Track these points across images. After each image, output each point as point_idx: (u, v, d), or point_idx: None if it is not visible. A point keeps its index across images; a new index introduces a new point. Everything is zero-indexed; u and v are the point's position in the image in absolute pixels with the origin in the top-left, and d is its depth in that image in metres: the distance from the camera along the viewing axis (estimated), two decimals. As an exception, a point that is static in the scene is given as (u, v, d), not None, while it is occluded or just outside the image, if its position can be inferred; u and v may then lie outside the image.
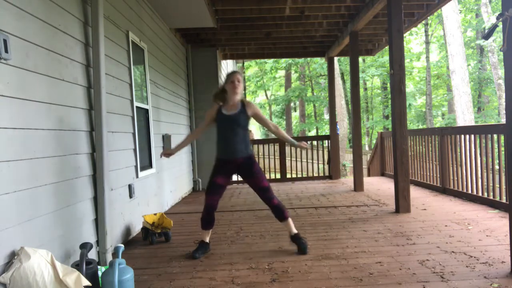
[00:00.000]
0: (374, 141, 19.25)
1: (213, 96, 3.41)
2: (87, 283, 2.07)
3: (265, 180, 3.26)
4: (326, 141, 8.51)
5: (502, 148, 4.08)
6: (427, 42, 19.18)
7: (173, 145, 5.75)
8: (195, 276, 2.76)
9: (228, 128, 3.22)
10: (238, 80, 3.24)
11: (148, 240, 3.69)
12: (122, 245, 2.41)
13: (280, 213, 3.28)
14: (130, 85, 4.06)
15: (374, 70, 18.56)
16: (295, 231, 3.29)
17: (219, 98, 3.35)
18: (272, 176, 8.52)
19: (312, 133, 22.26)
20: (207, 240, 3.33)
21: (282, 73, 23.39)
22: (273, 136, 24.81)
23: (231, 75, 3.27)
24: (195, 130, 3.62)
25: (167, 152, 3.50)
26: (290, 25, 6.56)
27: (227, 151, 3.25)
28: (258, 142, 8.75)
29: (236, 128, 3.20)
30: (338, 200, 5.54)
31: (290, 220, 3.31)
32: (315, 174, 8.52)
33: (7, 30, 2.10)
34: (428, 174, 6.33)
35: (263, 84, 22.65)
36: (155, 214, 3.90)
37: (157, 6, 5.05)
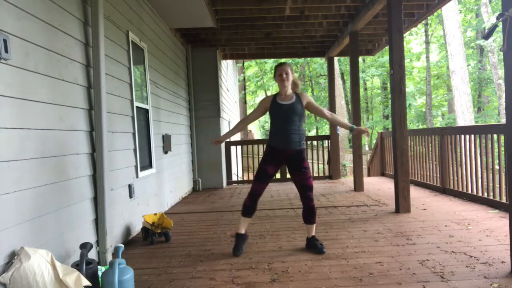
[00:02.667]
0: (374, 141, 19.25)
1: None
2: (87, 283, 2.07)
3: (311, 179, 3.25)
4: (326, 141, 8.51)
5: (502, 148, 4.08)
6: (427, 42, 19.17)
7: (173, 145, 5.76)
8: (195, 276, 2.76)
9: (284, 117, 3.20)
10: (286, 73, 3.22)
11: (148, 240, 3.69)
12: (122, 245, 2.41)
13: (311, 216, 3.29)
14: (130, 85, 4.06)
15: (374, 70, 18.56)
16: (313, 233, 3.33)
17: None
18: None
19: (312, 133, 22.26)
20: (244, 231, 3.31)
21: (282, 73, 23.30)
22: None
23: (277, 68, 3.26)
24: (246, 119, 3.48)
25: (218, 140, 3.45)
26: (290, 25, 6.56)
27: (281, 140, 3.22)
28: (258, 142, 8.75)
29: (293, 116, 3.19)
30: (338, 200, 5.54)
31: (314, 225, 3.34)
32: (315, 174, 8.52)
33: (7, 30, 2.10)
34: (428, 174, 6.33)
35: (263, 84, 22.63)
36: (155, 214, 3.90)
37: (157, 6, 5.05)
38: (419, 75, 22.17)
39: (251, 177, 7.95)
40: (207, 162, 7.42)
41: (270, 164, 3.24)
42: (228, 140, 8.98)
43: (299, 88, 3.35)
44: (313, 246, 3.24)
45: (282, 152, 3.23)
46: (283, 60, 18.46)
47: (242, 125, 3.58)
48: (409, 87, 21.28)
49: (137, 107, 4.23)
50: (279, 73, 3.23)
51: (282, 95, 3.26)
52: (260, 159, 3.34)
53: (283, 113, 3.20)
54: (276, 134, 3.24)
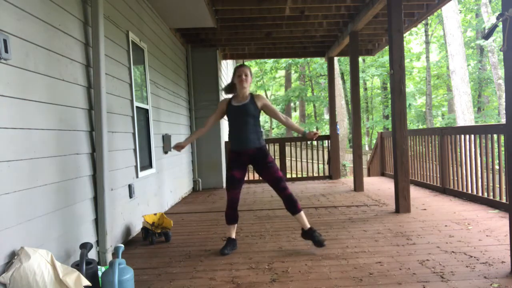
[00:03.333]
0: (374, 141, 19.25)
1: (223, 89, 3.47)
2: (87, 283, 2.07)
3: (279, 171, 3.27)
4: (326, 141, 8.51)
5: (502, 148, 4.08)
6: (427, 42, 19.17)
7: (173, 144, 5.75)
8: (195, 276, 2.76)
9: (238, 119, 3.25)
10: (246, 74, 3.26)
11: (148, 240, 3.69)
12: (122, 245, 2.41)
13: (293, 204, 3.26)
14: (130, 85, 4.06)
15: (374, 70, 18.56)
16: (308, 225, 3.29)
17: (228, 91, 3.40)
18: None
19: (312, 133, 22.19)
20: (234, 236, 3.36)
21: (282, 73, 23.40)
22: (272, 136, 24.80)
23: (238, 69, 3.29)
24: (206, 123, 3.52)
25: (179, 145, 3.50)
26: (290, 25, 6.56)
27: (239, 142, 3.26)
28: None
29: (246, 118, 3.22)
30: (338, 200, 5.54)
31: (302, 213, 3.30)
32: (315, 174, 8.52)
33: (7, 30, 2.10)
34: (428, 174, 6.33)
35: (263, 84, 22.65)
36: (155, 214, 3.90)
37: (157, 6, 5.05)
38: (419, 75, 22.18)
39: (251, 177, 7.97)
40: (207, 162, 7.42)
41: (235, 168, 3.27)
42: (228, 140, 8.98)
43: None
44: (311, 237, 3.24)
45: (243, 154, 3.26)
46: (283, 60, 18.49)
47: (203, 130, 3.60)
48: (409, 87, 21.28)
49: (137, 107, 4.22)
50: (239, 74, 3.26)
51: (239, 97, 3.30)
52: (267, 151, 3.35)
53: (238, 114, 3.25)
54: (234, 136, 3.30)
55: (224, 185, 7.59)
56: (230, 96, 3.42)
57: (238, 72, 3.28)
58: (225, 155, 7.78)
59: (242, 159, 3.29)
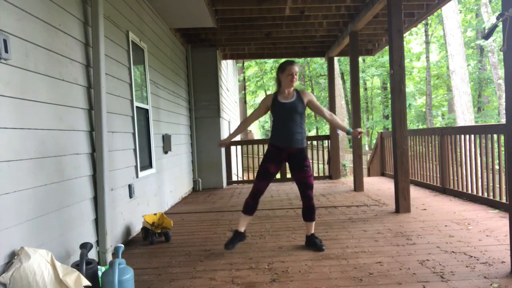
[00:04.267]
0: (374, 141, 19.25)
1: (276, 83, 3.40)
2: (87, 283, 2.07)
3: (312, 177, 3.29)
4: (326, 141, 8.51)
5: (502, 148, 4.08)
6: (427, 42, 19.17)
7: (173, 145, 5.76)
8: (195, 276, 2.76)
9: (286, 115, 3.22)
10: (296, 73, 3.24)
11: (148, 240, 3.69)
12: (122, 245, 2.41)
13: (311, 213, 3.31)
14: (130, 85, 4.06)
15: (374, 70, 18.56)
16: (312, 231, 3.37)
17: (278, 87, 3.34)
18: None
19: (312, 133, 22.26)
20: (243, 229, 3.33)
21: (282, 73, 23.31)
22: (273, 136, 24.78)
23: (289, 67, 3.23)
24: (248, 119, 3.48)
25: (223, 142, 3.54)
26: (290, 25, 6.56)
27: (284, 139, 3.23)
28: (258, 142, 8.75)
29: (294, 115, 3.21)
30: (338, 200, 5.54)
31: (314, 223, 3.38)
32: (315, 174, 8.51)
33: (7, 30, 2.10)
34: (428, 174, 6.33)
35: (263, 84, 22.63)
36: (155, 214, 3.90)
37: (157, 6, 5.05)
38: (419, 75, 22.17)
39: (251, 177, 7.97)
40: (207, 162, 7.42)
41: (272, 162, 3.26)
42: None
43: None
44: (313, 244, 3.29)
45: (284, 151, 3.24)
46: (283, 60, 18.51)
47: (244, 126, 3.60)
48: (409, 87, 21.27)
49: (137, 107, 4.22)
50: (289, 73, 3.20)
51: (285, 93, 3.26)
52: (261, 158, 3.35)
53: (285, 111, 3.21)
54: (278, 132, 3.25)
55: (225, 185, 7.64)
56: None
57: (289, 70, 3.21)
58: (225, 155, 7.79)
59: (282, 156, 3.27)
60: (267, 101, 3.31)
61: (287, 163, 3.35)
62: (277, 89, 3.34)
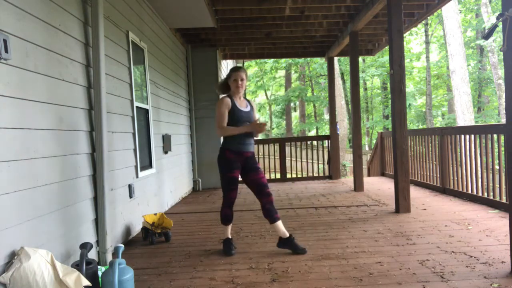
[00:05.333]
0: (374, 141, 19.26)
1: (217, 87, 3.45)
2: (87, 283, 2.07)
3: (264, 176, 3.34)
4: (326, 141, 8.51)
5: (502, 148, 4.08)
6: (427, 42, 19.17)
7: (173, 145, 5.75)
8: (195, 276, 2.76)
9: (244, 123, 3.25)
10: (242, 79, 3.25)
11: (148, 240, 3.69)
12: (122, 245, 2.41)
13: (274, 209, 3.24)
14: (130, 85, 4.06)
15: (374, 70, 18.57)
16: (287, 233, 3.23)
17: (222, 90, 3.39)
18: (272, 176, 8.52)
19: (312, 133, 22.27)
20: (230, 235, 3.36)
21: (282, 73, 23.39)
22: (272, 136, 24.75)
23: (234, 73, 3.26)
24: (224, 125, 3.26)
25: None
26: (290, 25, 6.56)
27: (241, 144, 3.25)
28: (258, 142, 8.74)
29: (248, 123, 3.28)
30: (338, 200, 5.54)
31: (280, 222, 3.26)
32: (315, 174, 8.51)
33: (7, 30, 2.10)
34: (428, 174, 6.33)
35: (263, 84, 22.65)
36: (155, 214, 3.90)
37: (157, 6, 5.05)
38: (419, 75, 22.18)
39: (251, 177, 7.95)
40: (207, 162, 7.42)
41: (236, 169, 3.26)
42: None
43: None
44: (293, 246, 3.17)
45: (242, 155, 3.26)
46: (283, 60, 18.48)
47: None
48: (409, 87, 21.28)
49: (137, 107, 4.22)
50: (235, 78, 3.24)
51: (237, 99, 3.30)
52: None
53: (244, 120, 3.26)
54: (237, 138, 3.22)
55: (224, 185, 7.63)
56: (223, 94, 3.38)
57: (234, 76, 3.24)
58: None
59: (239, 161, 3.28)
60: (228, 104, 3.21)
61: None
62: (223, 92, 3.36)
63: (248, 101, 3.42)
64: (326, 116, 21.94)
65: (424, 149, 6.45)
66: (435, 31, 21.30)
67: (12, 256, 2.03)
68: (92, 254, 2.98)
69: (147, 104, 4.65)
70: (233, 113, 3.22)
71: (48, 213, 2.45)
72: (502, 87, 13.48)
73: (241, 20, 6.20)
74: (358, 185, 6.33)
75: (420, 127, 21.28)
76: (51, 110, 2.53)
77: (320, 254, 3.11)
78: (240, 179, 3.31)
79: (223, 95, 3.32)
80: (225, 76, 3.38)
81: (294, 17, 6.12)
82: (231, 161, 3.24)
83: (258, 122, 3.26)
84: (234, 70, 3.28)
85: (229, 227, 3.37)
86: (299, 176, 8.47)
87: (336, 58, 12.39)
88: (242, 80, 3.25)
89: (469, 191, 5.13)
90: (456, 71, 12.40)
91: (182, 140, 6.56)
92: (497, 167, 4.58)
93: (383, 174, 8.31)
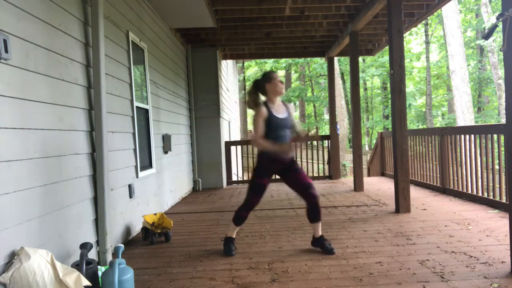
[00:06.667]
0: (374, 141, 19.26)
1: (249, 97, 3.26)
2: (87, 283, 2.07)
3: (308, 177, 3.27)
4: (326, 141, 8.51)
5: (502, 148, 4.08)
6: (427, 42, 19.18)
7: (173, 145, 5.75)
8: (195, 276, 2.76)
9: (283, 130, 3.17)
10: (282, 82, 3.21)
11: (148, 240, 3.69)
12: (122, 245, 2.41)
13: (319, 210, 3.24)
14: (130, 85, 4.06)
15: (374, 70, 18.57)
16: (320, 233, 3.26)
17: (255, 101, 3.23)
18: (273, 177, 8.50)
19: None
20: (234, 235, 3.33)
21: (282, 73, 23.38)
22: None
23: (274, 75, 3.20)
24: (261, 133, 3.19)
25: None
26: (290, 25, 6.56)
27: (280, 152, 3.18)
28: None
29: (288, 130, 3.20)
30: (338, 200, 5.54)
31: (320, 223, 3.28)
32: (315, 174, 8.51)
33: (7, 30, 2.10)
34: (428, 174, 6.33)
35: (263, 84, 22.60)
36: (155, 214, 3.90)
37: (157, 6, 5.05)
38: (419, 75, 22.18)
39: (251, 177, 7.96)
40: (207, 162, 7.42)
41: (267, 176, 3.23)
42: (228, 140, 8.99)
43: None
44: (322, 246, 3.20)
45: (280, 162, 3.20)
46: (283, 60, 18.47)
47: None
48: (409, 87, 21.28)
49: (137, 107, 4.22)
50: (279, 80, 3.17)
51: (275, 104, 3.18)
52: (255, 172, 3.27)
53: (283, 127, 3.16)
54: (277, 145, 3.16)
55: (225, 185, 7.63)
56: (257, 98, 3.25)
57: (276, 77, 3.17)
58: (225, 155, 7.78)
59: (275, 167, 3.24)
60: (264, 114, 3.11)
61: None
62: (256, 102, 3.21)
63: (285, 104, 3.28)
64: (326, 116, 21.94)
65: (424, 149, 6.45)
66: (435, 31, 21.30)
67: (12, 256, 2.03)
68: (92, 254, 2.98)
69: (147, 104, 4.65)
70: (270, 121, 3.12)
71: (48, 213, 2.45)
72: (502, 87, 13.48)
73: (241, 20, 6.20)
74: (358, 185, 6.33)
75: (420, 127, 21.28)
76: (51, 110, 2.53)
77: (320, 254, 3.11)
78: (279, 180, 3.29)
79: (260, 104, 3.18)
80: (248, 85, 3.31)
81: (294, 17, 6.12)
82: (264, 168, 3.22)
83: (289, 143, 3.16)
84: (271, 73, 3.21)
85: (236, 228, 3.33)
86: (299, 176, 8.45)
87: (336, 58, 12.39)
88: (282, 83, 3.19)
89: (469, 191, 5.13)
90: (456, 71, 12.40)
91: (182, 140, 6.56)
92: (497, 167, 4.58)
93: (383, 174, 8.31)
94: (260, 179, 3.20)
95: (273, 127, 3.12)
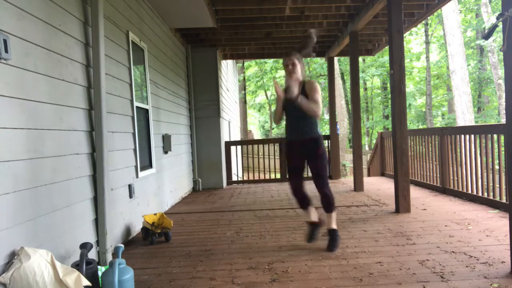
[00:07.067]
0: (374, 141, 19.25)
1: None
2: (87, 283, 2.07)
3: (324, 169, 3.32)
4: (326, 141, 8.50)
5: (502, 148, 4.08)
6: (427, 42, 19.18)
7: (173, 145, 5.76)
8: (195, 276, 2.76)
9: (291, 110, 3.21)
10: (293, 64, 3.20)
11: (148, 240, 3.69)
12: (122, 245, 2.41)
13: (327, 203, 3.31)
14: (130, 85, 4.06)
15: (374, 70, 18.57)
16: (334, 226, 3.31)
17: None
18: (272, 176, 8.52)
19: (312, 133, 22.18)
20: (313, 218, 3.39)
21: (282, 73, 23.37)
22: (272, 136, 24.70)
23: (284, 60, 3.27)
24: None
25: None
26: (290, 25, 6.56)
27: (293, 133, 3.28)
28: (258, 142, 8.75)
29: (297, 110, 3.17)
30: (338, 200, 5.54)
31: (334, 214, 3.34)
32: (315, 174, 8.49)
33: (7, 30, 2.10)
34: (428, 174, 6.33)
35: (263, 84, 22.64)
36: (155, 214, 3.90)
37: (157, 6, 5.05)
38: (419, 75, 22.18)
39: (251, 177, 7.96)
40: (207, 162, 7.42)
41: (291, 158, 3.36)
42: (228, 140, 8.99)
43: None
44: (329, 239, 3.27)
45: (297, 143, 3.29)
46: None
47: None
48: (409, 87, 21.28)
49: (137, 107, 4.22)
50: (285, 65, 3.25)
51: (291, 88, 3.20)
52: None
53: (291, 107, 3.19)
54: (288, 128, 3.34)
55: (225, 185, 7.64)
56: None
57: (285, 62, 3.23)
58: (225, 155, 7.79)
59: (297, 149, 3.31)
60: (280, 96, 3.19)
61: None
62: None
63: (304, 83, 3.22)
64: (326, 116, 21.93)
65: (424, 149, 6.45)
66: (435, 31, 21.30)
67: (12, 256, 2.04)
68: (92, 254, 2.98)
69: (147, 104, 4.65)
70: (283, 104, 3.24)
71: (48, 213, 2.45)
72: (502, 87, 13.48)
73: (241, 20, 6.20)
74: (358, 185, 6.33)
75: (420, 127, 21.28)
76: (51, 110, 2.53)
77: (320, 254, 3.11)
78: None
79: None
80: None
81: (294, 17, 6.12)
82: (286, 153, 3.38)
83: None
84: (284, 56, 3.28)
85: (307, 211, 3.41)
86: (299, 176, 8.44)
87: (336, 58, 12.39)
88: (293, 65, 3.19)
89: (469, 191, 5.13)
90: (456, 71, 12.40)
91: (182, 140, 6.56)
92: (497, 167, 4.58)
93: (383, 174, 8.31)
94: (288, 163, 3.40)
95: (286, 112, 3.31)
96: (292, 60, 3.21)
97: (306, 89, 3.19)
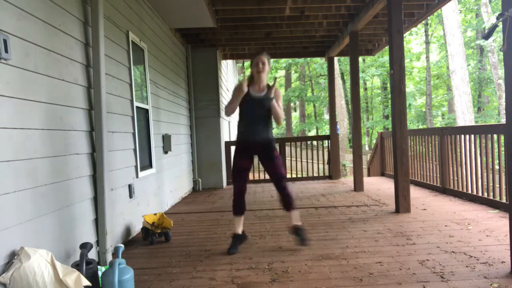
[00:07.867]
0: (374, 141, 19.25)
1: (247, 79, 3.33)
2: (87, 283, 2.07)
3: (282, 168, 3.33)
4: (326, 141, 8.51)
5: (502, 148, 4.08)
6: (427, 42, 19.19)
7: (173, 145, 5.76)
8: (195, 276, 2.76)
9: (253, 109, 3.22)
10: (263, 63, 3.20)
11: (148, 240, 3.69)
12: (122, 245, 2.41)
13: (291, 201, 3.37)
14: (130, 85, 4.06)
15: (374, 70, 18.58)
16: (300, 222, 3.37)
17: (249, 81, 3.28)
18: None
19: (312, 133, 22.27)
20: (240, 230, 3.39)
21: (282, 73, 23.40)
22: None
23: (254, 58, 3.26)
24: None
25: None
26: (290, 25, 6.56)
27: (251, 133, 3.28)
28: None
29: (260, 110, 3.21)
30: (338, 200, 5.54)
31: (296, 212, 3.39)
32: (315, 174, 8.51)
33: (7, 30, 2.10)
34: (428, 174, 6.33)
35: (263, 84, 22.62)
36: (155, 214, 3.90)
37: (157, 6, 5.05)
38: (419, 75, 22.19)
39: (251, 177, 7.95)
40: (207, 162, 7.42)
41: (240, 158, 3.39)
42: (228, 140, 8.98)
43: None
44: (299, 236, 3.32)
45: (251, 144, 3.32)
46: (283, 60, 18.48)
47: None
48: (409, 87, 21.29)
49: (137, 107, 4.22)
50: (255, 63, 3.22)
51: (256, 86, 3.25)
52: (274, 146, 3.40)
53: (252, 106, 3.22)
54: (242, 126, 3.34)
55: (225, 185, 7.64)
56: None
57: (256, 60, 3.23)
58: (225, 155, 7.79)
59: (249, 150, 3.34)
60: (241, 90, 3.16)
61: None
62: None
63: (269, 86, 3.23)
64: (326, 116, 21.95)
65: (424, 149, 6.45)
66: (435, 31, 21.31)
67: (12, 256, 2.03)
68: (92, 254, 2.98)
69: (147, 104, 4.65)
70: (242, 101, 3.20)
71: (48, 213, 2.45)
72: (502, 87, 13.48)
73: (241, 20, 6.20)
74: (358, 185, 6.33)
75: (420, 127, 21.28)
76: (51, 110, 2.53)
77: (320, 254, 3.11)
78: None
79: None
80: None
81: (294, 17, 6.12)
82: (236, 150, 3.35)
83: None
84: (256, 55, 3.26)
85: (238, 219, 3.42)
86: (299, 176, 8.47)
87: (336, 58, 12.39)
88: (263, 64, 3.18)
89: (469, 191, 5.13)
90: (456, 71, 12.40)
91: (182, 140, 6.56)
92: (497, 167, 4.58)
93: (383, 174, 8.31)
94: (234, 162, 3.42)
95: (242, 109, 3.26)
96: (263, 59, 3.22)
97: (274, 94, 3.22)
